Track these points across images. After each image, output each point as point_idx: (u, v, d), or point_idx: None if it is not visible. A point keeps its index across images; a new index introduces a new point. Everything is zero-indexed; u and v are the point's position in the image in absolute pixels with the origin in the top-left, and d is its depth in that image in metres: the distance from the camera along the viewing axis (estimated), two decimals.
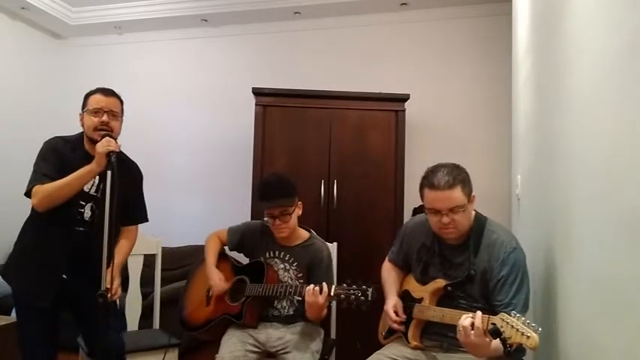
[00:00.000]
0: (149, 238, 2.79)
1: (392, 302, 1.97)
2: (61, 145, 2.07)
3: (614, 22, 1.14)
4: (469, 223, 1.84)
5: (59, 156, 2.03)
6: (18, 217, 2.17)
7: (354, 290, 1.94)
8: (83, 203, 2.05)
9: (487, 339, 1.52)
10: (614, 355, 1.15)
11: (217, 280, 2.31)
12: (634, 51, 1.00)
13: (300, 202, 2.31)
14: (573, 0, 1.53)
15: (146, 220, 2.26)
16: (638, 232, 0.99)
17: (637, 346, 1.00)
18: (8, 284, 2.14)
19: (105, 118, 2.02)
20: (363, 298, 1.91)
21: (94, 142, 1.99)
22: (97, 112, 2.03)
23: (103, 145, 1.91)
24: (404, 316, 1.93)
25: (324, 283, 2.02)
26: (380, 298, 2.01)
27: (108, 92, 2.09)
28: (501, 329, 1.45)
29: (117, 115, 2.07)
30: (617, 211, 1.12)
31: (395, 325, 1.93)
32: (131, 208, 2.12)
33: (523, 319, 1.46)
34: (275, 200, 2.22)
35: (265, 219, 2.31)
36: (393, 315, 1.92)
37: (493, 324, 1.50)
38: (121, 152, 2.16)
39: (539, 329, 1.42)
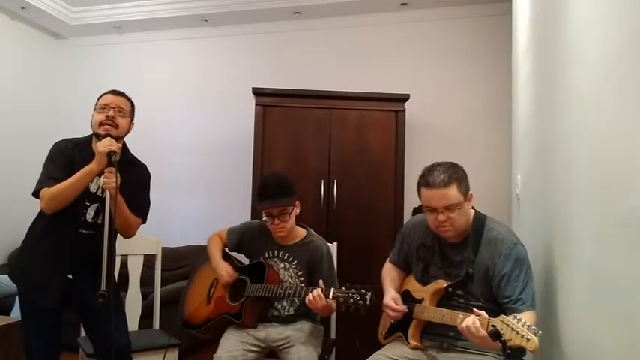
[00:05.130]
0: (149, 238, 2.79)
1: (391, 295, 1.97)
2: (70, 146, 2.09)
3: (614, 22, 1.14)
4: (467, 222, 1.85)
5: (67, 157, 2.05)
6: (18, 216, 2.18)
7: (353, 294, 1.94)
8: (88, 204, 2.06)
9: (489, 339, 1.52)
10: (614, 354, 1.15)
11: (225, 270, 2.31)
12: (634, 51, 1.00)
13: (298, 202, 2.31)
14: (573, 0, 1.53)
15: (141, 217, 2.17)
16: (638, 232, 0.99)
17: (637, 346, 1.00)
18: (15, 284, 2.15)
19: (111, 113, 2.05)
20: (361, 302, 1.92)
21: (99, 138, 2.01)
22: (103, 108, 2.07)
23: (104, 145, 1.92)
24: (404, 307, 1.92)
25: (323, 287, 2.03)
26: (379, 299, 2.01)
27: (117, 92, 2.14)
28: (501, 331, 1.45)
29: (124, 112, 2.09)
30: (617, 211, 1.12)
31: (394, 314, 1.91)
32: (129, 204, 2.11)
33: (523, 320, 1.45)
34: (274, 200, 2.22)
35: (264, 219, 2.32)
36: (393, 304, 1.91)
37: (493, 326, 1.50)
38: (130, 154, 2.19)
39: (539, 332, 1.42)
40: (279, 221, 2.25)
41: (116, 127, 2.05)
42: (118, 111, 2.07)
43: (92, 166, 1.94)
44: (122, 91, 2.17)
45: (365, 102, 3.45)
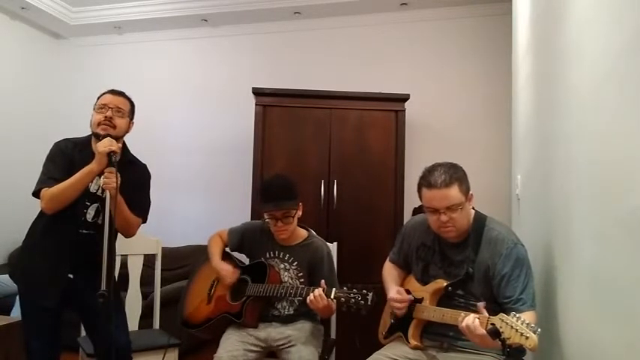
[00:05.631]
0: (149, 238, 2.79)
1: (395, 289, 1.96)
2: (70, 146, 2.10)
3: (614, 22, 1.14)
4: (468, 222, 1.85)
5: (67, 157, 2.05)
6: (18, 216, 2.18)
7: (354, 294, 1.94)
8: (88, 204, 2.06)
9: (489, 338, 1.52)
10: (613, 354, 1.15)
11: (227, 270, 2.30)
12: (634, 51, 1.00)
13: (301, 204, 2.31)
14: (573, 0, 1.53)
15: (141, 217, 2.18)
16: (638, 232, 0.99)
17: (637, 346, 1.00)
18: (16, 284, 2.15)
19: (109, 113, 2.05)
20: (363, 302, 1.92)
21: (98, 138, 2.01)
22: (102, 108, 2.07)
23: (104, 145, 1.93)
24: (409, 297, 1.91)
25: (324, 286, 2.03)
26: (380, 299, 2.01)
27: (116, 92, 2.14)
28: (500, 329, 1.46)
29: (123, 112, 2.10)
30: (617, 211, 1.12)
31: (400, 305, 1.91)
32: (129, 204, 2.10)
33: (523, 318, 1.46)
34: (279, 203, 2.21)
35: (266, 220, 2.31)
36: (398, 296, 1.91)
37: (492, 324, 1.50)
38: (130, 153, 2.19)
39: (539, 330, 1.42)
40: (282, 224, 2.25)
41: (114, 127, 2.05)
42: (116, 111, 2.07)
43: (92, 166, 1.94)
44: (121, 90, 2.17)
45: (365, 102, 3.45)
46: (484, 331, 1.52)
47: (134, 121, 2.19)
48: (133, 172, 2.11)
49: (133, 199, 2.07)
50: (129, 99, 2.17)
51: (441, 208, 1.77)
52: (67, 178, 1.96)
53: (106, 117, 2.04)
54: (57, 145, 2.10)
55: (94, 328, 2.13)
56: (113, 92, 2.13)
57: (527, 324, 1.43)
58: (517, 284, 1.71)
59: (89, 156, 2.01)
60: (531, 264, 1.78)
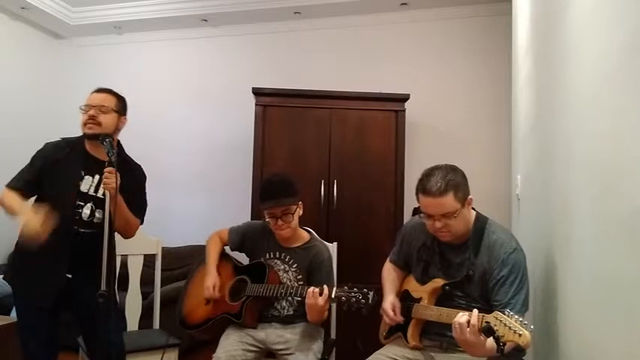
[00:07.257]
0: (149, 238, 2.79)
1: (390, 301, 1.97)
2: (60, 146, 2.10)
3: (614, 22, 1.14)
4: (465, 226, 1.84)
5: (47, 160, 2.06)
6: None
7: (355, 293, 1.93)
8: (82, 204, 2.05)
9: (482, 337, 1.52)
10: (613, 355, 1.15)
11: (212, 285, 2.28)
12: (634, 51, 1.00)
13: (300, 203, 2.31)
14: (573, 0, 1.53)
15: (139, 217, 2.18)
16: (638, 232, 0.99)
17: (637, 347, 1.00)
18: (10, 285, 2.14)
19: (92, 112, 2.06)
20: (364, 301, 1.91)
21: (87, 137, 2.03)
22: (86, 107, 2.08)
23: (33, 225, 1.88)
24: (401, 318, 1.93)
25: (325, 285, 2.02)
26: (380, 299, 2.01)
27: (100, 89, 2.14)
28: (494, 327, 1.46)
29: (106, 109, 2.08)
30: (617, 211, 1.12)
31: (389, 321, 1.94)
32: (127, 205, 2.10)
33: (516, 317, 1.47)
34: (277, 200, 2.21)
35: (267, 219, 2.31)
36: (391, 313, 1.92)
37: (487, 322, 1.50)
38: (124, 152, 2.19)
39: (532, 327, 1.44)
40: (282, 222, 2.24)
41: (99, 124, 2.05)
42: (99, 110, 2.06)
43: (21, 213, 1.93)
44: (106, 87, 2.16)
45: (365, 102, 3.45)
46: (477, 331, 1.52)
47: (127, 117, 2.17)
48: (128, 173, 2.10)
49: (131, 201, 2.07)
50: (115, 95, 2.15)
51: (436, 215, 1.77)
52: (30, 187, 2.02)
53: (89, 116, 2.05)
54: (44, 146, 2.12)
55: (88, 327, 2.12)
56: (97, 91, 2.13)
57: (521, 321, 1.45)
58: (510, 289, 1.72)
59: (79, 154, 2.03)
60: (531, 264, 1.78)
